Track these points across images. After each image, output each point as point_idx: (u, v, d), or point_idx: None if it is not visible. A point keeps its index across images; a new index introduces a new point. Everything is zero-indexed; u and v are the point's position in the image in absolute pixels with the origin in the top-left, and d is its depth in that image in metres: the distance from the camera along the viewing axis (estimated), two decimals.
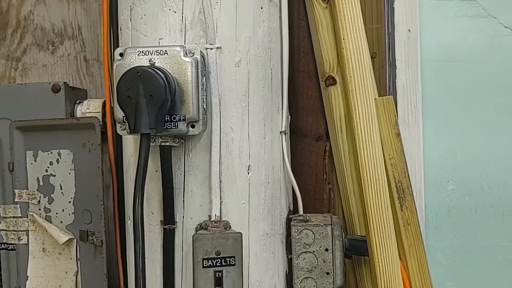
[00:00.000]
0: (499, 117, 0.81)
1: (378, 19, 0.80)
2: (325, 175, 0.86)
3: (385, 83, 0.80)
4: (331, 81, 0.73)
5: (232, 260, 0.58)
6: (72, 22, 0.86)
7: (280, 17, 0.69)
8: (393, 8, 0.78)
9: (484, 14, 0.81)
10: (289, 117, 0.77)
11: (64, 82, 0.76)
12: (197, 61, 0.57)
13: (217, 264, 0.58)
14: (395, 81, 0.79)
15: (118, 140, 0.72)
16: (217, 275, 0.57)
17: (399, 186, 0.68)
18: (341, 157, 0.72)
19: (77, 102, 0.79)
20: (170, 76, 0.56)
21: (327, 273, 0.67)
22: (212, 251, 0.58)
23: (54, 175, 0.73)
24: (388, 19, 0.79)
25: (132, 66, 0.55)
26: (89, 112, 0.77)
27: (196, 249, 0.58)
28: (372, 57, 0.81)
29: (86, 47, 0.86)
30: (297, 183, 0.83)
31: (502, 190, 0.81)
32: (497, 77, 0.81)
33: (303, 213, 0.71)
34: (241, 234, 0.59)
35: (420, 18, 0.80)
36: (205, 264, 0.58)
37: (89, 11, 0.86)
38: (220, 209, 0.62)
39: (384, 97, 0.70)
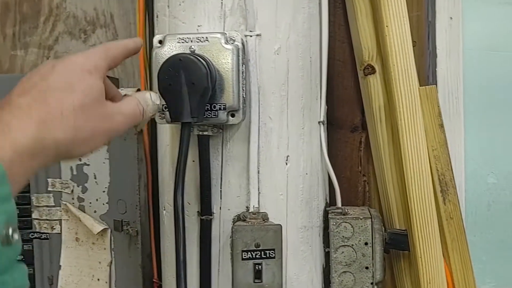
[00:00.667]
0: None
1: (419, 6, 0.78)
2: (360, 167, 0.84)
3: (425, 72, 0.78)
4: (370, 70, 0.71)
5: (272, 252, 0.57)
6: (104, 10, 0.85)
7: (320, 3, 0.67)
8: None
9: None
10: (326, 107, 0.75)
11: None
12: (238, 49, 0.55)
13: (257, 256, 0.56)
14: (435, 70, 0.77)
15: (153, 130, 0.71)
16: (256, 267, 0.56)
17: (442, 179, 0.65)
18: (380, 149, 0.70)
19: None
20: (211, 63, 0.54)
21: (366, 268, 0.65)
22: (252, 243, 0.56)
23: (88, 164, 0.72)
24: (428, 6, 0.76)
25: (173, 54, 0.53)
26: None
27: (235, 240, 0.57)
28: (413, 46, 0.79)
29: (118, 36, 0.85)
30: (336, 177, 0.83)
31: None
32: None
33: (345, 207, 0.70)
34: (281, 226, 0.58)
35: (462, 6, 0.77)
36: (245, 256, 0.56)
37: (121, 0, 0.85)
38: (259, 201, 0.61)
39: (427, 86, 0.67)
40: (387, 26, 0.64)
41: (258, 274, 0.56)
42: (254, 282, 0.56)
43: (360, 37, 0.72)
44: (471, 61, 0.78)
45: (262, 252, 0.56)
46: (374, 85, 0.70)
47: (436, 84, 0.77)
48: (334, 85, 0.83)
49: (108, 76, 0.81)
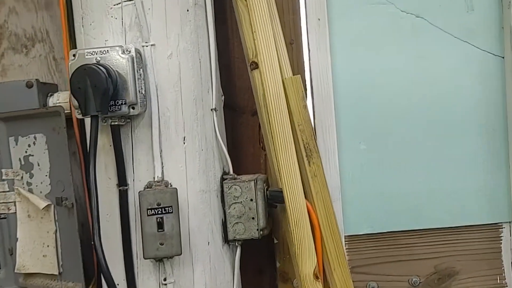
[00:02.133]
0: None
1: (294, 10, 0.97)
2: (261, 144, 1.03)
3: (302, 64, 0.97)
4: (254, 66, 0.89)
5: (170, 208, 0.75)
6: (40, 28, 1.02)
7: (206, 16, 0.85)
8: (305, 0, 0.95)
9: (382, 1, 0.97)
10: (223, 96, 0.94)
11: (36, 79, 0.92)
12: (133, 57, 0.74)
13: (158, 212, 0.75)
14: (310, 62, 0.96)
15: (82, 124, 0.88)
16: (158, 220, 0.75)
17: (307, 147, 0.85)
18: (264, 128, 0.89)
19: (49, 94, 0.95)
20: (112, 69, 0.72)
21: (253, 218, 0.85)
22: (154, 203, 0.75)
23: (33, 155, 0.90)
24: (300, 10, 0.95)
25: (81, 64, 0.71)
26: (59, 103, 0.93)
27: (142, 202, 0.75)
28: (290, 43, 0.98)
29: (54, 48, 1.02)
30: (239, 151, 1.02)
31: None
32: None
33: (235, 173, 0.89)
34: (176, 189, 0.76)
35: (328, 8, 0.96)
36: (149, 213, 0.75)
37: (55, 17, 1.01)
38: (162, 172, 0.79)
39: (292, 76, 0.86)
40: (254, 31, 0.82)
41: (160, 225, 0.75)
42: (158, 231, 0.75)
43: (245, 39, 0.90)
44: (337, 53, 0.97)
45: (162, 209, 0.75)
46: (257, 77, 0.89)
47: (310, 73, 0.96)
48: (235, 77, 1.02)
49: (47, 83, 0.98)
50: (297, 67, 0.96)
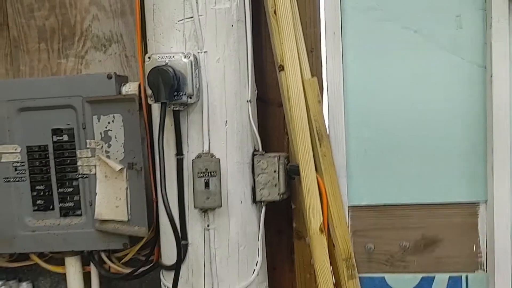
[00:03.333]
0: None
1: (315, 23, 1.21)
2: (285, 129, 1.29)
3: (320, 67, 1.22)
4: (281, 68, 1.14)
5: (214, 173, 1.02)
6: (116, 32, 1.30)
7: (246, 29, 1.11)
8: (320, 17, 1.19)
9: (385, 17, 1.20)
10: (256, 90, 1.20)
11: (114, 73, 1.20)
12: (191, 61, 1.00)
13: (206, 175, 1.02)
14: (326, 67, 1.21)
15: (149, 108, 1.16)
16: (205, 180, 1.02)
17: (319, 133, 1.10)
18: (287, 117, 1.14)
19: (122, 84, 1.23)
20: (176, 70, 0.99)
21: (275, 185, 1.11)
22: (203, 168, 1.02)
23: (111, 130, 1.18)
24: (321, 23, 1.20)
25: (155, 65, 0.99)
26: (131, 91, 1.21)
27: (194, 167, 1.03)
28: (311, 51, 1.23)
29: (126, 48, 1.30)
30: (268, 134, 1.27)
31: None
32: None
33: (264, 151, 1.15)
34: (219, 159, 1.03)
35: (342, 24, 1.20)
36: (199, 175, 1.02)
37: (127, 24, 1.29)
38: (209, 146, 1.06)
39: (310, 78, 1.12)
40: (282, 43, 1.08)
41: (207, 185, 1.02)
42: (205, 189, 1.02)
43: (275, 47, 1.15)
44: (348, 61, 1.21)
45: (209, 173, 1.02)
46: (283, 77, 1.14)
47: (327, 76, 1.21)
48: (267, 77, 1.28)
49: (121, 75, 1.26)
50: (316, 70, 1.21)
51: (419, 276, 1.26)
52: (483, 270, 1.24)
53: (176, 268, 1.03)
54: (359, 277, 1.26)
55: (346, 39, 1.21)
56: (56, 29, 1.32)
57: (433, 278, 1.25)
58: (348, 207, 1.25)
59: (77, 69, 1.32)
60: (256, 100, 1.22)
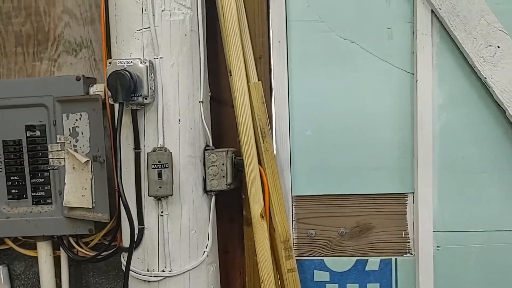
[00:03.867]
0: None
1: (262, 34, 1.36)
2: (237, 128, 1.43)
3: (268, 72, 1.37)
4: (230, 73, 1.29)
5: (167, 165, 1.17)
6: (86, 38, 1.44)
7: (199, 38, 1.25)
8: (269, 28, 1.34)
9: (326, 29, 1.35)
10: (210, 92, 1.34)
11: (82, 75, 1.34)
12: (147, 66, 1.15)
13: (159, 167, 1.16)
14: (271, 72, 1.35)
15: (113, 107, 1.30)
16: (158, 171, 1.16)
17: (263, 131, 1.25)
18: (236, 117, 1.29)
19: (90, 85, 1.37)
20: (133, 74, 1.13)
21: (223, 176, 1.25)
22: (156, 160, 1.16)
23: (78, 126, 1.32)
24: (267, 34, 1.35)
25: (114, 70, 1.13)
26: (97, 91, 1.35)
27: (148, 160, 1.17)
28: (259, 58, 1.37)
29: (95, 52, 1.44)
30: (222, 132, 1.42)
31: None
32: None
33: (214, 147, 1.29)
34: (171, 153, 1.18)
35: (287, 34, 1.35)
36: (153, 167, 1.16)
37: (96, 31, 1.43)
38: (163, 141, 1.20)
39: (255, 82, 1.26)
40: (229, 51, 1.22)
41: (160, 175, 1.16)
42: (158, 179, 1.16)
43: (225, 54, 1.30)
44: (292, 67, 1.36)
45: (161, 165, 1.16)
46: (231, 81, 1.29)
47: (273, 80, 1.35)
48: (222, 80, 1.42)
49: (90, 77, 1.39)
50: (264, 75, 1.35)
51: (354, 259, 1.41)
52: (411, 254, 1.40)
53: (129, 248, 1.18)
54: (302, 260, 1.42)
55: (291, 47, 1.36)
56: (31, 34, 1.45)
57: (367, 261, 1.41)
58: (292, 197, 1.40)
59: (50, 71, 1.46)
60: (212, 100, 1.36)
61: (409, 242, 1.40)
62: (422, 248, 1.37)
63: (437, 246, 1.37)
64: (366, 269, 1.41)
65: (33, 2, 1.44)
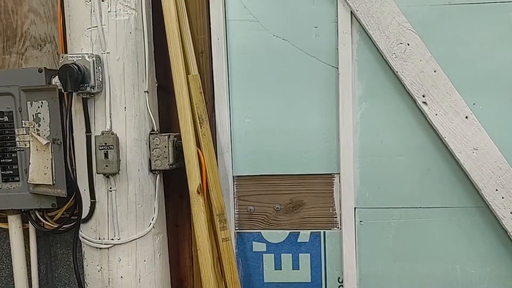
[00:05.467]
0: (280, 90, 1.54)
1: (204, 31, 1.53)
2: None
3: (209, 66, 1.53)
4: (171, 67, 1.46)
5: (112, 146, 1.34)
6: (49, 34, 1.61)
7: (143, 35, 1.42)
8: (210, 26, 1.51)
9: (260, 27, 1.52)
10: (156, 83, 1.51)
11: (44, 67, 1.51)
12: (94, 60, 1.32)
13: (105, 148, 1.34)
14: (212, 65, 1.52)
15: (70, 96, 1.47)
16: (105, 152, 1.33)
17: (200, 117, 1.42)
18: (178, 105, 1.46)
19: (52, 76, 1.54)
20: (82, 66, 1.30)
21: (166, 158, 1.43)
22: (103, 142, 1.34)
23: (40, 113, 1.49)
24: (207, 31, 1.52)
25: (64, 63, 1.30)
26: (58, 82, 1.52)
27: (96, 142, 1.34)
28: (201, 52, 1.54)
29: (57, 47, 1.61)
30: (170, 118, 1.59)
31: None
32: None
33: (158, 131, 1.46)
34: (116, 135, 1.35)
35: (226, 32, 1.52)
36: (100, 148, 1.34)
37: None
38: (110, 126, 1.37)
39: (194, 74, 1.43)
40: (170, 47, 1.39)
41: (106, 155, 1.34)
42: (105, 159, 1.34)
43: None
44: (231, 60, 1.53)
45: (107, 146, 1.34)
46: (172, 74, 1.45)
47: (212, 72, 1.52)
48: (169, 71, 1.58)
49: (52, 69, 1.55)
50: (205, 68, 1.52)
51: (288, 232, 1.59)
52: (338, 228, 1.57)
53: (77, 218, 1.36)
54: (242, 233, 1.59)
55: (230, 44, 1.53)
56: (1, 31, 1.62)
57: (298, 233, 1.59)
58: (233, 176, 1.58)
59: (19, 64, 1.63)
60: (161, 90, 1.53)
61: (336, 217, 1.57)
62: (346, 223, 1.54)
63: (360, 221, 1.55)
64: (298, 240, 1.59)
65: (2, 1, 1.61)
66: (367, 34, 1.45)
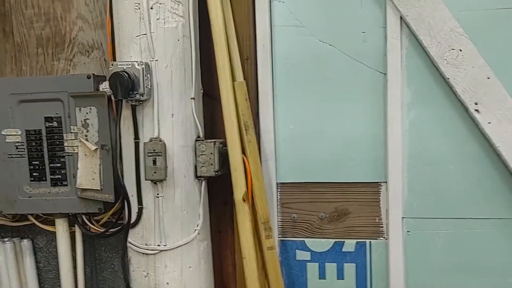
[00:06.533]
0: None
1: (249, 38, 1.52)
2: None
3: (254, 72, 1.53)
4: (218, 73, 1.45)
5: (160, 153, 1.35)
6: (97, 40, 1.63)
7: (191, 42, 1.42)
8: (255, 33, 1.50)
9: (307, 33, 1.50)
10: (202, 90, 1.51)
11: (93, 73, 1.53)
12: (143, 68, 1.33)
13: (154, 154, 1.35)
14: (256, 71, 1.51)
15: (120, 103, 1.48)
16: (153, 158, 1.34)
17: (246, 124, 1.41)
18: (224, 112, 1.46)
19: (100, 82, 1.56)
20: (131, 74, 1.32)
21: (211, 164, 1.43)
22: (151, 149, 1.35)
23: (89, 119, 1.52)
24: (254, 39, 1.51)
25: (115, 71, 1.31)
26: (105, 88, 1.54)
27: (145, 148, 1.35)
28: (246, 59, 1.53)
29: (105, 53, 1.63)
30: (214, 125, 1.59)
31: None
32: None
33: (204, 138, 1.46)
34: (165, 143, 1.36)
35: (272, 38, 1.51)
36: (149, 155, 1.35)
37: (106, 34, 1.62)
38: (158, 133, 1.38)
39: (240, 81, 1.43)
40: (217, 54, 1.39)
41: (154, 162, 1.35)
42: (153, 165, 1.35)
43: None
44: (276, 66, 1.52)
45: (156, 153, 1.35)
46: (219, 80, 1.45)
47: (257, 78, 1.51)
48: (215, 78, 1.57)
49: (99, 75, 1.58)
50: (250, 75, 1.52)
51: (332, 241, 1.57)
52: (384, 238, 1.54)
53: (126, 224, 1.38)
54: (285, 241, 1.58)
55: (275, 50, 1.52)
56: (50, 37, 1.65)
57: (343, 242, 1.56)
58: (277, 183, 1.57)
59: (67, 70, 1.66)
60: (206, 96, 1.53)
61: (382, 227, 1.54)
62: (393, 233, 1.51)
63: (407, 231, 1.51)
64: (343, 250, 1.56)
65: (51, 8, 1.64)
66: (417, 40, 1.41)
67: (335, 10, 1.48)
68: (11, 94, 1.57)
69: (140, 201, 1.42)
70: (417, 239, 1.51)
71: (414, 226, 1.51)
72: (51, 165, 1.59)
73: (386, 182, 1.51)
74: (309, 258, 1.58)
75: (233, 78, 1.43)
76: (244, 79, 1.47)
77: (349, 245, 1.56)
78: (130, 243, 1.46)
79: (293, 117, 1.54)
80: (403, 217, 1.50)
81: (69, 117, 1.56)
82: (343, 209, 1.56)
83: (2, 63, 1.69)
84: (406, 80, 1.45)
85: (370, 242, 1.55)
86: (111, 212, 1.62)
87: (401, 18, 1.41)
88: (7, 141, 1.59)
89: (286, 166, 1.56)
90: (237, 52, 1.46)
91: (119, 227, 1.59)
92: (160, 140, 1.38)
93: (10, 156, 1.60)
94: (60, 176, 1.60)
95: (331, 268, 1.56)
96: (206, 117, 1.54)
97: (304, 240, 1.58)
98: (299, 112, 1.53)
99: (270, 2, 1.50)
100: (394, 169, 1.48)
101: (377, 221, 1.55)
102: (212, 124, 1.58)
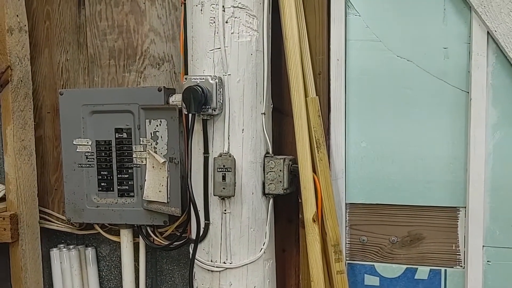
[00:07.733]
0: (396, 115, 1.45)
1: (322, 52, 1.47)
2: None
3: (327, 88, 1.48)
4: (290, 89, 1.42)
5: (230, 169, 1.32)
6: (168, 53, 1.64)
7: (263, 57, 1.39)
8: (329, 47, 1.45)
9: (383, 48, 1.44)
10: (272, 105, 1.47)
11: (163, 86, 1.53)
12: (216, 82, 1.31)
13: (223, 170, 1.32)
14: (329, 87, 1.46)
15: (187, 116, 1.47)
16: (223, 174, 1.32)
17: (318, 141, 1.36)
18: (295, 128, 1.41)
19: (170, 95, 1.56)
20: (205, 88, 1.30)
21: (280, 182, 1.38)
22: (221, 164, 1.32)
23: (158, 131, 1.52)
24: (326, 52, 1.46)
25: (188, 85, 1.30)
26: (176, 101, 1.54)
27: (215, 163, 1.33)
28: (319, 74, 1.48)
29: (175, 66, 1.63)
30: (283, 140, 1.55)
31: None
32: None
33: (273, 154, 1.42)
34: (235, 158, 1.33)
35: (346, 53, 1.45)
36: (218, 170, 1.32)
37: (177, 47, 1.62)
38: (228, 148, 1.36)
39: (312, 96, 1.38)
40: (289, 69, 1.35)
41: (223, 178, 1.32)
42: (222, 181, 1.32)
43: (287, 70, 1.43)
44: (349, 82, 1.46)
45: (226, 168, 1.32)
46: (292, 95, 1.41)
47: (330, 94, 1.46)
48: (285, 92, 1.54)
49: (170, 88, 1.58)
50: (322, 90, 1.47)
51: (404, 267, 1.48)
52: (461, 266, 1.44)
53: (195, 240, 1.35)
54: (354, 264, 1.51)
55: (349, 65, 1.46)
56: (122, 49, 1.68)
57: (416, 269, 1.47)
58: (346, 204, 1.50)
59: (137, 82, 1.67)
60: (275, 111, 1.50)
61: (459, 254, 1.44)
62: (472, 262, 1.41)
63: (488, 261, 1.41)
64: (416, 277, 1.47)
65: (124, 21, 1.66)
66: (506, 57, 1.32)
67: (414, 24, 1.41)
68: (83, 105, 1.60)
69: (207, 217, 1.39)
70: (498, 270, 1.40)
71: (496, 255, 1.40)
72: (119, 176, 1.61)
73: (465, 207, 1.42)
74: (378, 284, 1.50)
75: (306, 94, 1.39)
76: (316, 95, 1.42)
77: (422, 272, 1.47)
78: (195, 258, 1.44)
79: (366, 135, 1.47)
80: (483, 246, 1.40)
81: (138, 129, 1.57)
82: (417, 233, 1.47)
83: (75, 74, 1.73)
84: (492, 99, 1.36)
85: (445, 270, 1.45)
86: (175, 225, 1.61)
87: (488, 33, 1.32)
88: (77, 150, 1.62)
89: (356, 186, 1.49)
90: (310, 67, 1.42)
91: (183, 241, 1.58)
92: (230, 156, 1.35)
93: (80, 165, 1.63)
94: (127, 187, 1.61)
95: None
96: (274, 132, 1.50)
97: (373, 265, 1.50)
98: (372, 129, 1.47)
99: (346, 15, 1.45)
100: (475, 194, 1.38)
101: (453, 248, 1.45)
102: (280, 139, 1.54)
